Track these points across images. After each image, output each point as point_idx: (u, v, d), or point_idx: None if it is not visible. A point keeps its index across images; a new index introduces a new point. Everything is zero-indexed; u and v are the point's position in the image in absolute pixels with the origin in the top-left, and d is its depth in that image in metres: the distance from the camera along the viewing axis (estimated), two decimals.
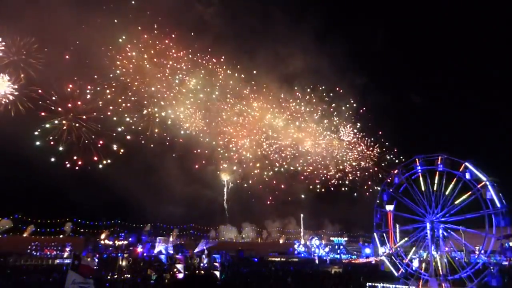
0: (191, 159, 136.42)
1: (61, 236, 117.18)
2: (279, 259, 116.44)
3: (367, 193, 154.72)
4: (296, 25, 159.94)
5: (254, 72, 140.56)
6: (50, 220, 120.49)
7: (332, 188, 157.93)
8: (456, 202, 51.48)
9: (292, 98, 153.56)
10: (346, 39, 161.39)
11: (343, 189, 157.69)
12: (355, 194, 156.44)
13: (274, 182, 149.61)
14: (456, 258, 52.78)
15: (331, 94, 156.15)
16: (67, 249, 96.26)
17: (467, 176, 49.90)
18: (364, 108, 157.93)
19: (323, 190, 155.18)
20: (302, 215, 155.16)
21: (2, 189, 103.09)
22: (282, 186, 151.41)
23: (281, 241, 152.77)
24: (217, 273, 69.73)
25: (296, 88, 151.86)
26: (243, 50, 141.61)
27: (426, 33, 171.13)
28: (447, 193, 52.29)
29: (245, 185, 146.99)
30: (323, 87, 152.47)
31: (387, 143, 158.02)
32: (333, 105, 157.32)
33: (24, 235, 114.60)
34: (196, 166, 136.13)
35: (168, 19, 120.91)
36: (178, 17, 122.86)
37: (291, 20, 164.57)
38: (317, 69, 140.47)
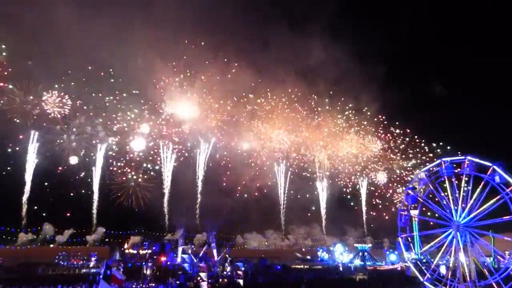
0: (217, 170, 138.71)
1: (87, 245, 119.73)
2: (302, 266, 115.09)
3: (392, 198, 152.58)
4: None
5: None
6: (77, 230, 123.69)
7: (355, 193, 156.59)
8: (484, 206, 50.07)
9: (312, 99, 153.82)
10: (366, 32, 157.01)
11: (366, 193, 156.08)
12: (378, 199, 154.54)
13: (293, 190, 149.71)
14: (485, 264, 51.07)
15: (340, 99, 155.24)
16: (93, 258, 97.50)
17: (496, 179, 48.56)
18: (381, 111, 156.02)
19: (344, 195, 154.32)
20: (324, 222, 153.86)
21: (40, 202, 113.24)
22: (307, 196, 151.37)
23: (303, 248, 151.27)
24: (241, 281, 69.86)
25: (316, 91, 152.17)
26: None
27: (454, 28, 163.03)
28: (474, 197, 50.91)
29: (267, 191, 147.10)
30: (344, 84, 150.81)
31: (412, 145, 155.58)
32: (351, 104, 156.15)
33: (51, 245, 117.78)
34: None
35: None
36: None
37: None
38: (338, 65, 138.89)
